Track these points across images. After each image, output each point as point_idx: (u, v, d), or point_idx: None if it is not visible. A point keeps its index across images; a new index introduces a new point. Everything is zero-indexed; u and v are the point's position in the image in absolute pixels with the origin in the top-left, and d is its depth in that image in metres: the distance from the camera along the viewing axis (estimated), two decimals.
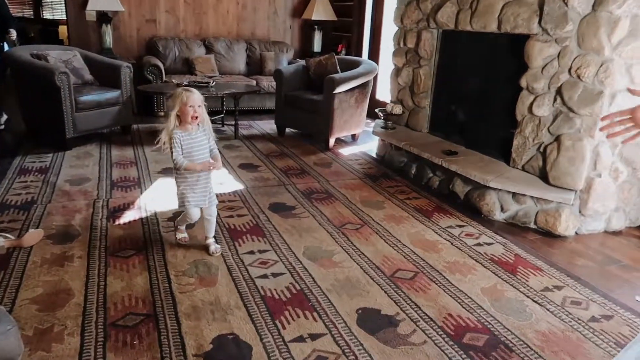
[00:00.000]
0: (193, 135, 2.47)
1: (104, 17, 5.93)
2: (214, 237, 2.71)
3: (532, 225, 3.18)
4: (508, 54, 3.48)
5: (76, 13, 6.09)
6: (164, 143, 2.46)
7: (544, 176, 3.19)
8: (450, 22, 3.88)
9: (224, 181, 3.79)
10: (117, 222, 2.97)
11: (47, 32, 9.24)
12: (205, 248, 2.64)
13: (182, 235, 2.74)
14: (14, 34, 5.05)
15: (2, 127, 4.93)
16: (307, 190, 3.68)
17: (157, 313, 2.09)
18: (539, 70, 3.17)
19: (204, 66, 6.22)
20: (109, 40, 6.01)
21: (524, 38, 3.25)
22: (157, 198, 3.38)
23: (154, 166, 4.08)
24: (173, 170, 2.58)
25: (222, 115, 5.54)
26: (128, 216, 3.06)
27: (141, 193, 3.47)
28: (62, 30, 9.05)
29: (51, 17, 9.87)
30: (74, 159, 4.15)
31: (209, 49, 6.51)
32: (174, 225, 2.81)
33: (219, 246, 2.69)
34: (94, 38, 6.17)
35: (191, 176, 2.50)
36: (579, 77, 2.95)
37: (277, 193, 3.60)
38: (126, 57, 6.10)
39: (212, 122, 5.67)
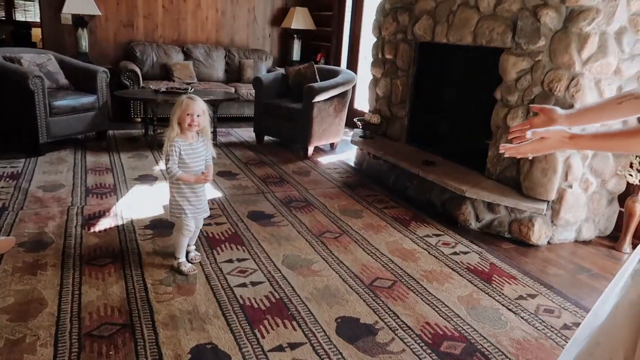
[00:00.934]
0: (193, 145, 2.42)
1: (80, 20, 5.84)
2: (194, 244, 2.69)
3: (507, 235, 3.25)
4: (483, 67, 3.57)
5: (51, 16, 5.98)
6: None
7: (517, 186, 3.27)
8: (427, 35, 3.96)
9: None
10: (92, 230, 2.91)
11: (19, 34, 9.03)
12: (185, 254, 2.61)
13: (188, 265, 2.52)
14: None
15: None
16: (286, 199, 3.68)
17: (134, 323, 2.06)
18: (512, 83, 3.26)
19: (182, 72, 6.18)
20: (84, 44, 5.92)
21: (499, 51, 3.34)
22: (133, 205, 3.33)
23: (130, 173, 4.03)
24: (167, 179, 2.51)
25: None
26: (103, 224, 3.01)
27: (117, 200, 3.42)
28: (36, 32, 8.86)
29: (24, 19, 9.65)
30: (47, 165, 4.06)
31: (188, 56, 6.47)
32: (176, 266, 2.51)
33: (198, 254, 2.66)
34: (70, 42, 6.07)
35: (187, 186, 2.44)
36: (551, 90, 3.05)
37: (255, 201, 3.59)
38: (102, 61, 6.01)
39: None
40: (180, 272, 2.49)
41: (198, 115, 2.36)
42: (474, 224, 3.36)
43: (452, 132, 4.03)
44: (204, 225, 3.05)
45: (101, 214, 3.15)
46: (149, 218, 3.14)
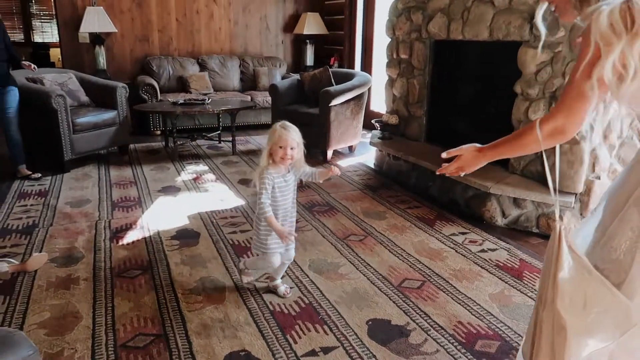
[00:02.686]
0: (286, 177, 2.20)
1: (97, 38, 5.96)
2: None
3: (534, 230, 3.20)
4: (501, 61, 3.53)
5: (69, 35, 6.12)
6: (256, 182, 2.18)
7: (543, 180, 3.21)
8: (442, 32, 3.94)
9: (225, 197, 3.79)
10: (120, 243, 2.95)
11: (37, 55, 9.25)
12: (273, 289, 2.41)
13: (250, 278, 2.44)
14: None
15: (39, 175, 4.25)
16: (309, 203, 3.68)
17: (167, 332, 2.08)
18: (532, 76, 3.22)
19: (198, 83, 6.25)
20: (102, 61, 6.04)
21: (517, 45, 3.30)
22: (159, 217, 3.37)
23: (153, 185, 4.08)
24: (255, 213, 2.28)
25: (219, 131, 5.56)
26: (131, 236, 3.05)
27: (143, 212, 3.46)
28: (53, 52, 9.07)
29: (41, 41, 9.88)
30: (72, 181, 4.14)
31: (203, 67, 6.54)
32: (240, 268, 2.46)
33: (288, 287, 2.43)
34: (88, 59, 6.19)
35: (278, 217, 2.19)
36: None
37: None
38: (120, 77, 6.11)
39: (209, 139, 5.64)
40: (241, 279, 2.47)
41: (292, 148, 2.14)
42: (500, 221, 3.32)
43: (472, 128, 3.99)
44: (228, 233, 3.11)
45: (128, 227, 3.19)
46: (175, 229, 3.17)
